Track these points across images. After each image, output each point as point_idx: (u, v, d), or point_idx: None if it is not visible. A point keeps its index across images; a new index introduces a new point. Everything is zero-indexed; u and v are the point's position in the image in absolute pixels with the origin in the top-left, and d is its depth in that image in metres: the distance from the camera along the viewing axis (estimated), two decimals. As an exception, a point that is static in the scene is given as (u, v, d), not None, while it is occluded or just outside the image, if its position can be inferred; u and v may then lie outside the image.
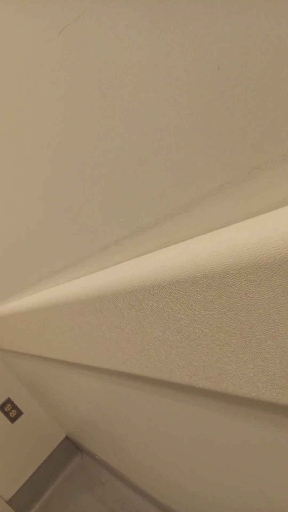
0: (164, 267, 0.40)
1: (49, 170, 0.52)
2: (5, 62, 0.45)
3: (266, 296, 0.31)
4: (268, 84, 0.26)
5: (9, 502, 1.95)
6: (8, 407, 1.98)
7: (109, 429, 1.24)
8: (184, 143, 0.34)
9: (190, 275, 0.36)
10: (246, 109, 0.28)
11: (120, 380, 0.80)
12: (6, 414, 1.97)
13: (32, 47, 0.40)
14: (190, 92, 0.30)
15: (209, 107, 0.30)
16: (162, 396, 0.68)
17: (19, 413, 2.03)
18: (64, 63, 0.38)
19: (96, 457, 1.89)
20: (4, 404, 1.97)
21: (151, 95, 0.33)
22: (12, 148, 0.57)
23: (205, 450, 0.70)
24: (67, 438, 2.20)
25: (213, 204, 0.35)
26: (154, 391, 0.70)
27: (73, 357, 0.83)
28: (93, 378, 0.95)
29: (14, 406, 2.01)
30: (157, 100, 0.33)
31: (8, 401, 1.99)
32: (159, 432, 0.84)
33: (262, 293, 0.31)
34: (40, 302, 0.77)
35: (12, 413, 1.99)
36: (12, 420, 1.99)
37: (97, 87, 0.37)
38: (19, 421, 2.02)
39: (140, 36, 0.31)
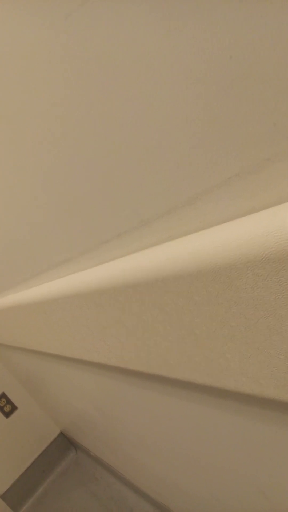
0: (168, 261, 0.39)
1: (50, 162, 0.51)
2: (9, 47, 0.44)
3: (273, 291, 0.31)
4: (281, 74, 0.26)
5: (3, 497, 1.95)
6: (2, 402, 1.97)
7: (104, 425, 1.23)
8: (191, 134, 0.33)
9: (195, 269, 0.36)
10: (257, 99, 0.28)
11: (118, 376, 0.80)
12: (1, 409, 1.97)
13: (38, 33, 0.39)
14: (200, 81, 0.30)
15: (219, 96, 0.29)
16: (160, 393, 0.68)
17: (14, 408, 2.02)
18: (70, 49, 0.37)
19: (91, 453, 1.89)
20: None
21: (158, 83, 0.32)
22: (12, 140, 0.56)
23: (203, 448, 0.69)
24: (61, 434, 2.20)
25: (220, 197, 0.35)
26: (153, 388, 0.69)
27: (71, 352, 0.82)
28: (90, 373, 0.94)
29: (9, 401, 2.00)
30: (164, 88, 0.32)
31: (3, 395, 1.98)
32: (156, 429, 0.84)
33: (269, 287, 0.31)
34: (39, 295, 0.76)
35: (7, 408, 1.99)
36: (7, 415, 1.99)
37: (103, 75, 0.36)
38: (13, 416, 2.02)
39: (149, 23, 0.30)
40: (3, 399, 1.98)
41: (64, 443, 2.20)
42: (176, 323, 0.44)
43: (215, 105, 0.30)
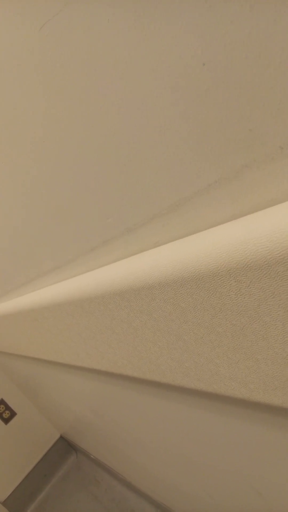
0: (154, 268, 0.39)
1: (34, 170, 0.51)
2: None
3: (256, 298, 0.31)
4: (255, 80, 0.25)
5: (4, 503, 1.94)
6: (1, 408, 1.96)
7: (103, 428, 1.23)
8: (170, 142, 0.33)
9: (180, 276, 0.35)
10: (232, 106, 0.27)
11: (113, 381, 0.79)
12: (0, 415, 1.96)
13: (12, 43, 0.39)
14: (175, 89, 0.29)
15: (195, 104, 0.29)
16: (155, 396, 0.68)
17: (13, 414, 2.01)
18: (45, 59, 0.37)
19: (91, 456, 1.88)
20: (-3, 405, 1.96)
21: (134, 92, 0.32)
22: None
23: (199, 449, 0.69)
24: (61, 437, 2.19)
25: (201, 204, 0.34)
26: (147, 391, 0.69)
27: (64, 358, 0.82)
28: (85, 378, 0.94)
29: (8, 407, 2.00)
30: (141, 98, 0.32)
31: (1, 402, 1.98)
32: (153, 432, 0.84)
33: (252, 294, 0.31)
34: (29, 303, 0.75)
35: (6, 414, 1.98)
36: (6, 421, 1.98)
37: (79, 84, 0.36)
38: (12, 422, 2.01)
39: (122, 31, 0.30)
40: (1, 406, 1.97)
41: (65, 447, 2.20)
42: (165, 329, 0.44)
43: (191, 113, 0.30)
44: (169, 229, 0.40)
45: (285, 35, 0.23)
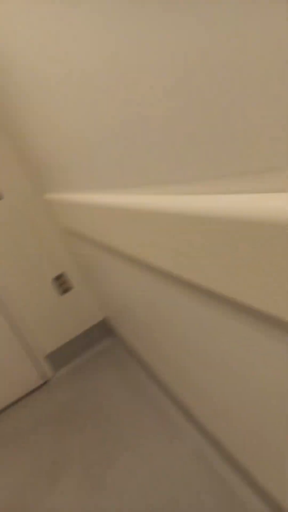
0: None
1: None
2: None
3: None
4: None
5: (47, 357, 2.30)
6: (62, 280, 2.21)
7: (148, 324, 1.32)
8: None
9: None
10: None
11: (173, 286, 0.82)
12: (59, 285, 2.21)
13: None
14: None
15: None
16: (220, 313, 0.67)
17: (69, 287, 2.25)
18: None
19: (126, 343, 2.09)
20: (59, 277, 2.20)
21: None
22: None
23: (254, 370, 0.72)
24: (104, 320, 2.44)
25: None
26: (214, 307, 0.69)
27: (137, 252, 0.85)
28: (146, 276, 0.98)
29: (66, 280, 2.23)
30: None
31: (63, 275, 2.21)
32: (205, 343, 0.87)
33: None
34: (145, 205, 0.73)
35: (64, 286, 2.22)
36: (63, 292, 2.23)
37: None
38: (67, 294, 2.27)
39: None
40: (62, 278, 2.21)
41: (106, 329, 2.46)
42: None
43: None
44: None
45: None
